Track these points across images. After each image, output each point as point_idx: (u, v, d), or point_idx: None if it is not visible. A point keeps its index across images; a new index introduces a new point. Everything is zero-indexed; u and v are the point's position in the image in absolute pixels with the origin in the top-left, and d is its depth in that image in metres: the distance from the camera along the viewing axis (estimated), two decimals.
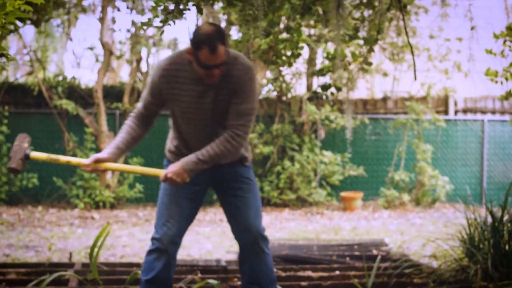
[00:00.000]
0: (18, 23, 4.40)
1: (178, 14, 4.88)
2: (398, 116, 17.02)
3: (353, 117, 16.78)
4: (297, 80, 16.58)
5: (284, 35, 6.49)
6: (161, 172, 4.82)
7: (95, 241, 6.15)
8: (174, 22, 5.33)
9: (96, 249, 6.15)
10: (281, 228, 12.73)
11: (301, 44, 6.58)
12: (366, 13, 6.62)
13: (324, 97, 5.94)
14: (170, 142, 5.16)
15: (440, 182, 16.21)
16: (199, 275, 6.90)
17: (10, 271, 6.89)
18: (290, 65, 6.44)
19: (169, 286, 5.05)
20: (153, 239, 4.99)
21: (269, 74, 16.24)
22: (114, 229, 12.29)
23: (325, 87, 6.44)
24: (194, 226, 12.73)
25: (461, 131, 17.49)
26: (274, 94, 16.79)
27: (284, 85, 16.28)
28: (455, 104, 17.94)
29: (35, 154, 4.89)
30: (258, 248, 5.09)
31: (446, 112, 17.86)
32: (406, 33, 6.07)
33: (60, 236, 11.25)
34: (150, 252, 4.99)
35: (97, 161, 4.87)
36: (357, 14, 6.86)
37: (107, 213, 14.65)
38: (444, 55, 17.69)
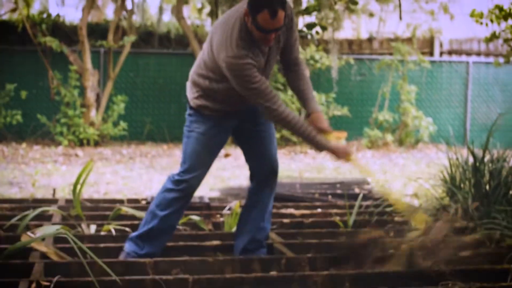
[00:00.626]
0: None
1: None
2: (383, 57, 17.01)
3: (338, 57, 16.77)
4: (302, 16, 16.52)
5: None
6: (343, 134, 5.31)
7: (78, 178, 6.16)
8: None
9: (79, 186, 6.16)
10: None
11: None
12: None
13: (309, 36, 5.91)
14: (211, 102, 5.03)
15: (423, 123, 16.29)
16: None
17: None
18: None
19: (174, 227, 5.26)
20: (180, 180, 5.05)
21: None
22: (98, 166, 12.30)
23: (310, 26, 6.43)
24: (176, 164, 12.79)
25: (445, 72, 17.54)
26: None
27: None
28: (441, 45, 17.97)
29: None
30: (274, 180, 5.36)
31: (431, 53, 17.89)
32: None
33: (44, 173, 11.26)
34: (171, 191, 5.07)
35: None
36: None
37: (91, 150, 14.66)
38: None
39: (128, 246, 5.15)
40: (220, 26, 4.77)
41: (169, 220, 5.10)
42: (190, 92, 5.10)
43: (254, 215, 5.34)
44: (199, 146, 5.05)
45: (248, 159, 5.36)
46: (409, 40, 17.56)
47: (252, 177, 5.35)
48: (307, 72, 4.96)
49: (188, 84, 5.13)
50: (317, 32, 6.45)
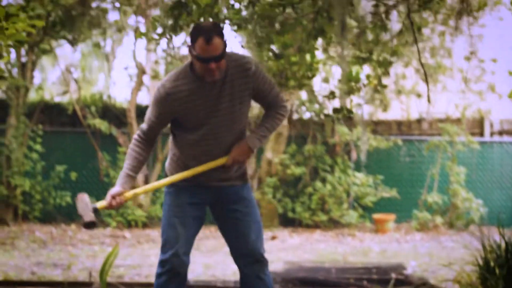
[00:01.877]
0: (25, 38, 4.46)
1: (173, 30, 4.97)
2: (432, 138, 16.91)
3: (386, 139, 16.74)
4: (330, 100, 16.55)
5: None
6: (223, 160, 4.93)
7: (105, 261, 6.21)
8: (171, 37, 5.39)
9: (106, 269, 6.20)
10: (311, 249, 12.70)
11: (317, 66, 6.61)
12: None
13: (337, 119, 5.98)
14: (179, 164, 5.09)
15: (474, 205, 16.05)
16: None
17: None
18: (300, 87, 6.47)
19: None
20: (162, 261, 4.93)
21: (304, 96, 16.32)
22: (144, 248, 12.40)
23: (337, 110, 6.45)
24: (224, 246, 12.75)
25: (496, 153, 17.32)
26: (307, 115, 16.83)
27: (317, 105, 16.31)
28: (491, 125, 17.77)
29: (100, 204, 4.91)
30: (260, 272, 5.05)
31: (481, 134, 17.71)
32: (419, 55, 6.07)
33: (90, 254, 11.35)
34: (160, 275, 4.94)
35: (114, 196, 4.82)
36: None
37: (139, 232, 14.74)
38: (478, 76, 17.53)
39: None
40: None
41: None
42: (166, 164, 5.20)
43: None
44: (170, 218, 4.99)
45: (228, 244, 5.20)
46: (459, 121, 17.45)
47: (237, 265, 5.17)
48: (281, 115, 4.98)
49: None
50: (343, 115, 6.46)
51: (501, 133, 17.89)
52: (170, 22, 4.88)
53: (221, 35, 4.58)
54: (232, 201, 5.06)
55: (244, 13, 5.69)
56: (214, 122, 4.85)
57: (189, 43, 4.64)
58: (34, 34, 3.86)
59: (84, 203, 4.91)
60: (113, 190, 4.83)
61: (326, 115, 6.35)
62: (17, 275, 9.03)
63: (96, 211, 4.87)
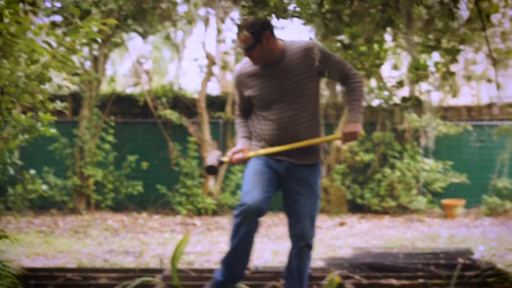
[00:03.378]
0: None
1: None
2: (503, 123, 16.76)
3: (456, 124, 16.65)
4: (399, 88, 16.54)
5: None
6: (337, 136, 5.46)
7: (176, 248, 6.38)
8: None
9: (177, 256, 6.37)
10: (379, 235, 12.72)
11: (385, 54, 6.68)
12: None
13: (405, 108, 6.03)
14: (258, 141, 5.53)
15: None
16: (282, 281, 7.04)
17: (102, 276, 7.18)
18: (369, 76, 6.56)
19: (250, 249, 5.35)
20: (239, 205, 5.22)
21: (373, 83, 16.32)
22: (213, 235, 12.55)
23: (405, 99, 6.53)
24: None
25: None
26: (376, 102, 16.84)
27: (386, 93, 16.31)
28: None
29: (225, 159, 5.48)
30: (304, 254, 5.39)
31: None
32: (488, 42, 6.08)
33: (160, 242, 11.53)
34: (237, 216, 5.24)
35: (235, 152, 5.39)
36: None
37: (209, 219, 14.93)
38: None
39: (215, 275, 5.48)
40: None
41: (240, 246, 5.27)
42: None
43: (288, 273, 5.52)
44: (249, 174, 5.36)
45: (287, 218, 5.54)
46: None
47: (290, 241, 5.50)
48: (358, 83, 5.27)
49: None
50: (412, 104, 6.54)
51: None
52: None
53: (249, 29, 5.23)
54: (298, 183, 5.41)
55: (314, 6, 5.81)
56: (278, 99, 5.34)
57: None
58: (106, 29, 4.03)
59: (214, 155, 5.52)
60: (235, 148, 5.40)
61: (395, 104, 6.42)
62: (91, 263, 9.27)
63: (221, 162, 5.44)
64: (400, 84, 6.85)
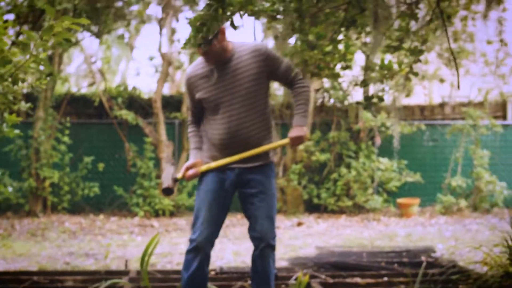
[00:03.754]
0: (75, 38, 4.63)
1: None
2: (455, 122, 16.98)
3: (409, 124, 16.83)
4: (353, 87, 16.59)
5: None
6: (285, 141, 5.46)
7: (146, 250, 6.37)
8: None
9: (146, 258, 6.37)
10: (337, 235, 12.82)
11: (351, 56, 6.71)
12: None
13: (368, 106, 6.10)
14: (210, 146, 5.56)
15: (497, 188, 16.14)
16: (249, 282, 7.07)
17: (68, 279, 7.15)
18: (335, 77, 6.59)
19: (205, 280, 5.47)
20: (191, 240, 5.38)
21: (326, 83, 16.39)
22: (172, 236, 12.54)
23: (367, 98, 6.59)
24: None
25: None
26: (331, 101, 16.94)
27: (340, 92, 16.41)
28: None
29: (178, 175, 5.47)
30: (266, 255, 5.45)
31: (504, 117, 17.77)
32: (448, 42, 6.17)
33: (120, 244, 11.51)
34: (188, 252, 5.40)
35: (188, 168, 5.40)
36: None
37: (166, 221, 14.90)
38: (501, 60, 17.54)
39: None
40: None
41: (194, 279, 5.38)
42: None
43: (256, 277, 5.55)
44: (199, 203, 5.44)
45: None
46: (481, 104, 17.52)
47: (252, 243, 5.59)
48: (305, 88, 5.37)
49: None
50: (375, 103, 6.61)
51: None
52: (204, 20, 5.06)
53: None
54: (251, 186, 5.48)
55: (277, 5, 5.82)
56: (228, 101, 5.38)
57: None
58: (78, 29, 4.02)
59: (168, 173, 5.45)
60: (188, 162, 5.42)
61: (358, 103, 6.48)
62: (52, 266, 9.22)
63: (175, 180, 5.41)
64: (364, 83, 6.89)
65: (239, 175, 5.44)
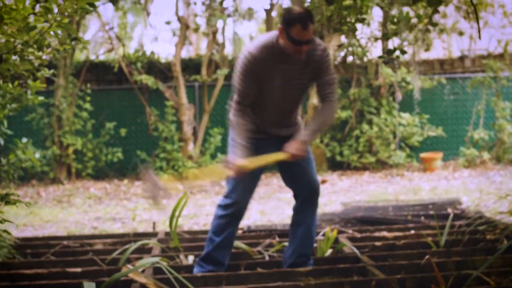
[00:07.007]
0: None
1: None
2: (476, 75, 16.88)
3: (430, 78, 16.75)
4: (372, 43, 16.55)
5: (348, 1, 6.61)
6: (284, 155, 5.29)
7: (173, 211, 6.41)
8: None
9: (174, 219, 6.41)
10: (361, 191, 12.84)
11: (367, 9, 6.70)
12: None
13: (391, 61, 6.05)
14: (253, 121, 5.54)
15: None
16: (277, 239, 7.11)
17: (97, 242, 7.22)
18: (354, 31, 6.58)
19: (232, 246, 5.65)
20: (226, 205, 5.47)
21: (344, 39, 16.31)
22: (197, 198, 12.59)
23: (390, 52, 6.56)
24: (275, 192, 12.98)
25: None
26: (350, 58, 16.89)
27: (359, 49, 16.33)
28: None
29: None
30: (316, 199, 5.64)
31: None
32: None
33: (145, 207, 11.56)
34: (222, 217, 5.51)
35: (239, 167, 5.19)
36: None
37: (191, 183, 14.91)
38: None
39: (195, 270, 5.61)
40: None
41: (225, 242, 5.53)
42: None
43: (300, 232, 5.67)
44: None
45: (287, 183, 5.73)
46: (501, 56, 17.38)
47: (295, 197, 5.70)
48: (331, 112, 5.29)
49: None
50: (397, 57, 6.57)
51: None
52: None
53: (313, 22, 5.04)
54: None
55: None
56: (284, 92, 5.34)
57: (282, 25, 5.07)
58: None
59: (152, 183, 5.27)
60: (236, 159, 5.18)
61: (380, 57, 6.45)
62: (80, 231, 9.30)
63: (161, 190, 5.25)
64: (385, 36, 6.86)
65: (278, 143, 5.49)
